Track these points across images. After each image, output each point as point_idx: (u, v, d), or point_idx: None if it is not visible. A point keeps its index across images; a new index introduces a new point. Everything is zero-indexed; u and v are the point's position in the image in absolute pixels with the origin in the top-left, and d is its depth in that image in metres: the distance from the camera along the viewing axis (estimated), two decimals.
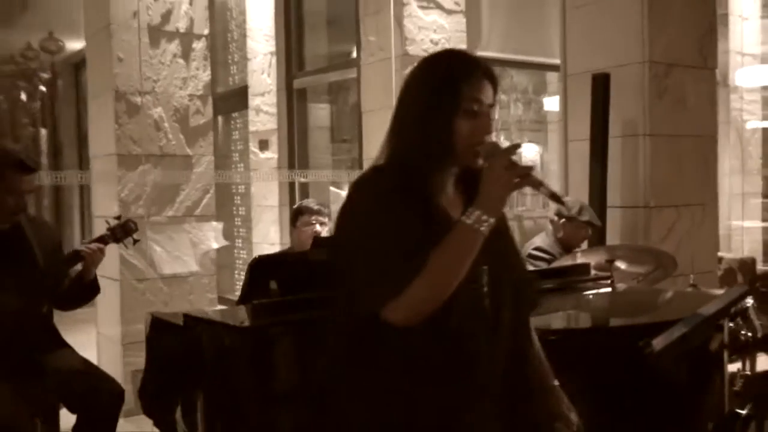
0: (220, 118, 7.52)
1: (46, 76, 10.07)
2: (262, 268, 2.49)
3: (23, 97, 10.72)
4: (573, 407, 1.54)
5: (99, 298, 4.63)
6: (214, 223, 4.36)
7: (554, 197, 1.35)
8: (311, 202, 3.44)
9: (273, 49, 6.43)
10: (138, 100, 4.06)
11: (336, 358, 1.43)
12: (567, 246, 3.65)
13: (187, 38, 4.22)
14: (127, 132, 4.05)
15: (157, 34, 4.11)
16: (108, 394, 2.51)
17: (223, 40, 7.57)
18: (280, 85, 6.41)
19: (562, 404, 1.53)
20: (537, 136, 7.16)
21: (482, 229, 1.28)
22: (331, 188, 6.18)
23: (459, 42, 5.18)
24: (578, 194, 3.98)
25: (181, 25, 4.20)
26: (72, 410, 2.52)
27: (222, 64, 7.60)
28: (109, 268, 4.33)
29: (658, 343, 1.70)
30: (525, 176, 1.30)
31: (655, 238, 3.75)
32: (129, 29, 4.03)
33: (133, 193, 4.09)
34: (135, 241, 2.75)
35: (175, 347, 2.09)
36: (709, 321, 1.78)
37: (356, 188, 1.41)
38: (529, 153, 8.06)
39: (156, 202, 4.18)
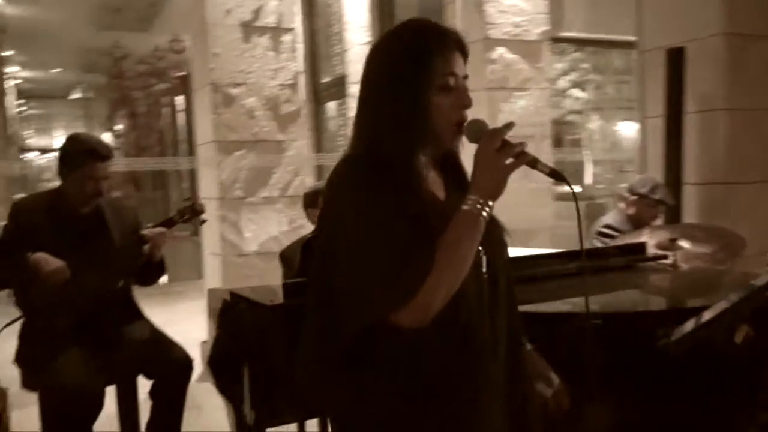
0: (331, 104, 7.77)
1: (179, 73, 10.74)
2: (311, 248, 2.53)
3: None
4: (550, 367, 1.50)
5: (206, 271, 5.00)
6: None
7: (554, 174, 1.25)
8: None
9: (368, 39, 6.56)
10: (233, 91, 4.30)
11: (329, 361, 1.28)
12: (638, 224, 3.51)
13: (276, 32, 4.42)
14: (224, 121, 4.31)
15: (249, 29, 4.33)
16: (177, 362, 2.65)
17: (325, 34, 7.78)
18: None
19: (541, 364, 1.49)
20: (632, 114, 6.87)
21: (484, 214, 1.19)
22: None
23: (541, 24, 5.07)
24: (655, 172, 3.82)
25: (271, 20, 4.40)
26: (148, 376, 2.68)
27: (324, 56, 7.83)
28: (211, 244, 4.65)
29: (678, 332, 1.59)
30: (519, 155, 1.20)
31: (733, 216, 3.54)
32: (223, 27, 4.26)
33: (231, 177, 4.35)
34: (202, 222, 2.86)
35: (232, 322, 2.18)
36: (730, 311, 1.61)
37: (333, 188, 1.28)
38: (627, 132, 7.77)
39: (252, 185, 4.41)
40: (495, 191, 1.20)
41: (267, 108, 4.39)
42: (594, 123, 7.64)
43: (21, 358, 2.50)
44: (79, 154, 2.53)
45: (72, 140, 2.62)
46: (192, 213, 2.74)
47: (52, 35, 10.05)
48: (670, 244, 2.88)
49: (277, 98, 4.43)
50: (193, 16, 4.58)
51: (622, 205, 3.62)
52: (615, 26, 5.57)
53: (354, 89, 6.81)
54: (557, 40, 6.03)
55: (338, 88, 7.33)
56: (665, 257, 2.66)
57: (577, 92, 7.38)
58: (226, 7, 4.29)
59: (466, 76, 1.30)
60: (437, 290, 1.16)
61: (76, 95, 17.50)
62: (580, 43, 6.62)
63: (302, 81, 8.00)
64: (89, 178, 2.53)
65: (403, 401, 1.25)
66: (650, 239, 2.86)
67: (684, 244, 2.94)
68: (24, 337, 2.53)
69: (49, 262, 2.39)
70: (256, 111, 4.38)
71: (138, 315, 2.79)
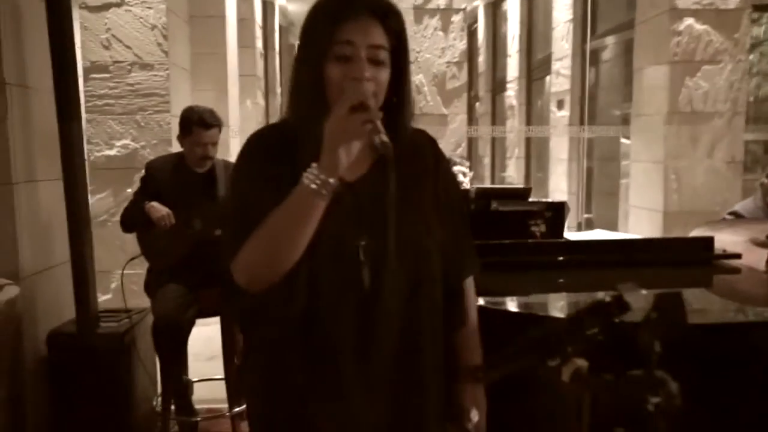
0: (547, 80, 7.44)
1: None
2: None
3: None
4: (483, 402, 1.21)
5: None
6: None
7: (384, 148, 1.00)
8: (453, 155, 3.28)
9: (571, 17, 6.09)
10: None
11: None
12: None
13: (446, 13, 4.37)
14: None
15: (421, 12, 4.34)
16: None
17: (544, 12, 7.38)
18: (575, 50, 6.07)
19: (464, 397, 1.20)
20: None
21: (323, 191, 1.00)
22: (622, 140, 5.70)
23: None
24: None
25: (442, 2, 4.35)
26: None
27: (541, 34, 7.45)
28: None
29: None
30: (367, 122, 0.99)
31: None
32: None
33: None
34: None
35: None
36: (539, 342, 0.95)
37: (243, 145, 1.17)
38: None
39: None
40: (335, 163, 1.00)
41: (433, 84, 4.39)
42: None
43: (145, 288, 2.87)
44: (190, 123, 2.69)
45: (186, 111, 2.82)
46: None
47: None
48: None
49: (444, 75, 4.39)
50: None
51: (759, 191, 2.94)
52: None
53: (557, 66, 6.40)
54: (759, 8, 4.95)
55: (545, 66, 6.95)
56: (738, 256, 2.07)
57: None
58: None
59: (376, 46, 1.06)
60: (252, 252, 1.04)
61: None
62: None
63: (515, 60, 7.75)
64: (197, 143, 2.69)
65: (260, 384, 1.16)
66: (746, 234, 2.28)
67: None
68: (147, 271, 2.88)
69: (157, 209, 2.62)
70: (424, 87, 4.40)
71: None
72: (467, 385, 1.20)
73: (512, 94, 7.99)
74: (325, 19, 1.07)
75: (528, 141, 7.56)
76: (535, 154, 7.79)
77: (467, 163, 3.22)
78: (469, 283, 1.25)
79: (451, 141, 4.48)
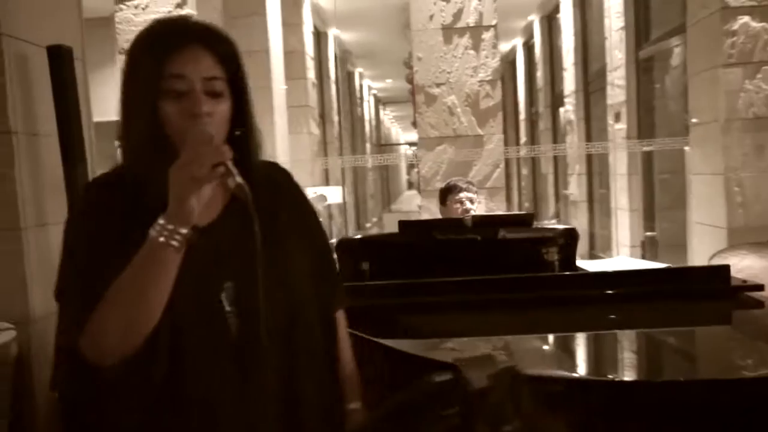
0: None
1: None
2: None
3: None
4: None
5: None
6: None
7: (239, 191, 0.93)
8: (460, 180, 3.04)
9: (622, 25, 5.74)
10: (435, 91, 4.22)
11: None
12: None
13: (476, 31, 4.19)
14: (426, 119, 4.25)
15: (449, 31, 4.18)
16: None
17: (599, 23, 7.03)
18: (629, 59, 5.70)
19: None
20: None
21: (172, 243, 0.90)
22: (686, 148, 5.26)
23: None
24: None
25: (471, 20, 4.18)
26: None
27: (596, 45, 7.09)
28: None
29: None
30: (217, 165, 0.90)
31: None
32: (426, 32, 4.20)
33: (432, 170, 4.29)
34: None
35: None
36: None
37: (79, 198, 1.08)
38: None
39: (452, 176, 4.28)
40: (182, 215, 0.90)
41: (467, 104, 4.20)
42: None
43: None
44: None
45: None
46: None
47: (382, 51, 11.04)
48: None
49: (477, 94, 4.20)
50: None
51: None
52: None
53: (612, 76, 6.04)
54: None
55: (602, 78, 6.58)
56: (760, 287, 1.71)
57: None
58: (428, 13, 4.21)
59: (211, 78, 0.98)
60: (105, 323, 0.92)
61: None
62: None
63: (571, 73, 7.42)
64: None
65: None
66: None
67: None
68: None
69: None
70: (456, 108, 4.22)
71: None
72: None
73: (570, 108, 7.64)
74: (152, 53, 0.98)
75: (590, 156, 7.16)
76: (598, 169, 7.39)
77: (474, 189, 2.99)
78: (341, 316, 1.19)
79: (487, 163, 4.26)
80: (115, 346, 0.93)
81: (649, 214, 5.75)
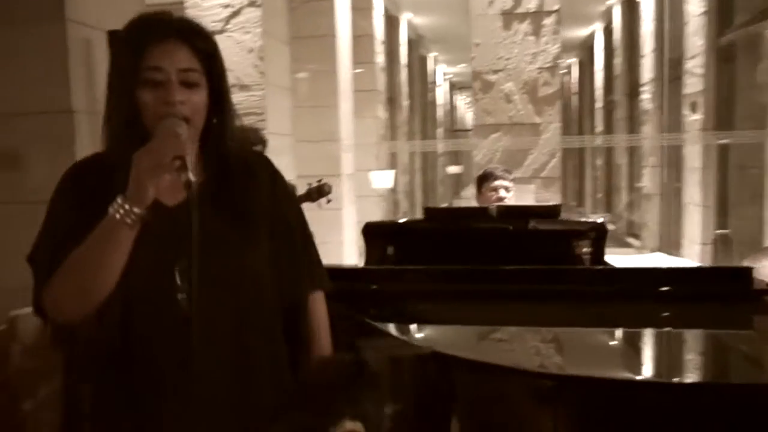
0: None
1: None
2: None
3: None
4: None
5: None
6: (532, 186, 4.13)
7: (186, 185, 0.98)
8: (496, 168, 2.92)
9: (703, 10, 5.40)
10: (492, 77, 4.15)
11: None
12: None
13: (537, 16, 4.08)
14: (482, 106, 4.20)
15: (509, 17, 4.09)
16: None
17: (678, 9, 6.65)
18: (708, 45, 5.36)
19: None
20: None
21: (127, 220, 0.96)
22: None
23: None
24: None
25: (532, 5, 4.07)
26: None
27: (677, 31, 6.71)
28: None
29: None
30: (176, 158, 0.96)
31: None
32: (485, 17, 4.12)
33: (486, 158, 4.23)
34: (329, 201, 2.84)
35: None
36: None
37: (61, 177, 1.13)
38: None
39: (506, 165, 4.21)
40: (137, 197, 0.97)
41: (524, 92, 4.11)
42: None
43: None
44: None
45: None
46: (318, 193, 2.76)
47: (457, 36, 10.91)
48: None
49: (536, 81, 4.10)
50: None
51: None
52: None
53: (690, 65, 5.71)
54: None
55: (679, 66, 6.23)
56: None
57: None
58: None
59: (186, 69, 1.04)
60: (61, 286, 1.00)
61: None
62: None
63: (650, 60, 7.08)
64: None
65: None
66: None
67: None
68: None
69: None
70: (514, 95, 4.13)
71: None
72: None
73: (647, 97, 7.28)
74: (132, 46, 1.04)
75: (665, 147, 6.83)
76: (673, 161, 7.02)
77: (510, 177, 2.90)
78: (318, 299, 1.21)
79: (543, 152, 4.15)
80: (69, 308, 1.02)
81: (722, 210, 5.42)
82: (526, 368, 1.23)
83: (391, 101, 8.83)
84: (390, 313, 1.56)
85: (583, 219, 2.75)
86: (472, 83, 4.21)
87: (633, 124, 8.38)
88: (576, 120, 13.10)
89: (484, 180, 2.89)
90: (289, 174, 3.58)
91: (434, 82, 13.06)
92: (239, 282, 1.08)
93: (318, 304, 1.21)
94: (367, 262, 2.23)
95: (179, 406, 1.03)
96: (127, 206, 0.97)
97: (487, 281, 1.76)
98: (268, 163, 1.21)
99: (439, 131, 13.57)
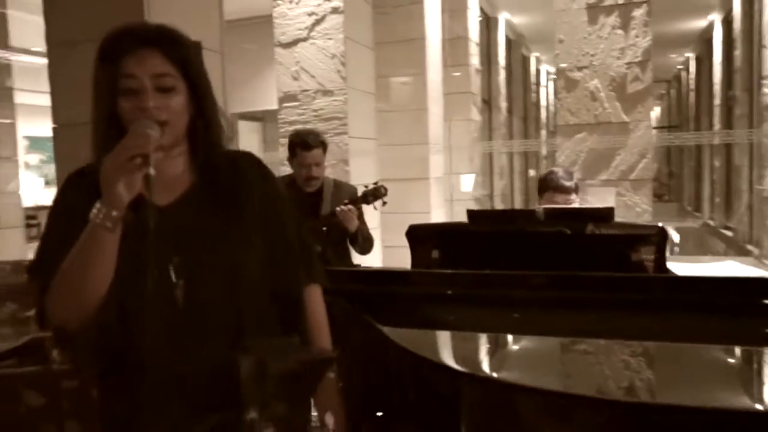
0: None
1: None
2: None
3: None
4: (338, 406, 1.20)
5: None
6: (612, 189, 3.85)
7: (146, 181, 1.00)
8: (563, 177, 2.58)
9: None
10: (576, 75, 3.95)
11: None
12: None
13: (626, 9, 3.82)
14: (565, 105, 4.00)
15: (595, 11, 3.87)
16: None
17: None
18: None
19: (316, 402, 1.20)
20: None
21: (106, 224, 0.99)
22: None
23: None
24: None
25: None
26: None
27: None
28: None
29: None
30: (135, 157, 0.98)
31: None
32: (568, 12, 3.93)
33: (569, 159, 4.03)
34: (384, 203, 2.75)
35: None
36: None
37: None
38: None
39: (591, 167, 3.99)
40: (111, 200, 0.99)
41: (611, 89, 3.87)
42: None
43: None
44: (294, 145, 2.76)
45: (292, 134, 2.86)
46: (373, 196, 2.71)
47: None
48: None
49: (624, 78, 3.85)
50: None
51: None
52: None
53: None
54: None
55: None
56: None
57: None
58: None
59: (160, 74, 1.08)
60: (57, 293, 1.04)
61: None
62: None
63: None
64: (302, 164, 2.71)
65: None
66: None
67: None
68: None
69: None
70: (600, 92, 3.91)
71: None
72: (318, 393, 1.20)
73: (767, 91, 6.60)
74: (108, 57, 1.09)
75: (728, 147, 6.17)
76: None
77: (573, 188, 2.65)
78: (313, 293, 1.24)
79: (633, 152, 3.88)
80: (66, 314, 1.05)
81: None
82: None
83: (488, 103, 8.67)
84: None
85: (641, 223, 2.51)
86: (556, 82, 4.02)
87: (752, 120, 7.65)
88: (693, 118, 12.19)
89: (546, 188, 2.66)
90: (370, 178, 3.59)
91: (537, 83, 12.66)
92: (232, 278, 1.11)
93: (314, 297, 1.24)
94: (413, 266, 2.16)
95: (175, 400, 1.06)
96: (105, 210, 1.00)
97: (537, 287, 1.67)
98: (258, 162, 1.23)
99: (543, 133, 13.13)
